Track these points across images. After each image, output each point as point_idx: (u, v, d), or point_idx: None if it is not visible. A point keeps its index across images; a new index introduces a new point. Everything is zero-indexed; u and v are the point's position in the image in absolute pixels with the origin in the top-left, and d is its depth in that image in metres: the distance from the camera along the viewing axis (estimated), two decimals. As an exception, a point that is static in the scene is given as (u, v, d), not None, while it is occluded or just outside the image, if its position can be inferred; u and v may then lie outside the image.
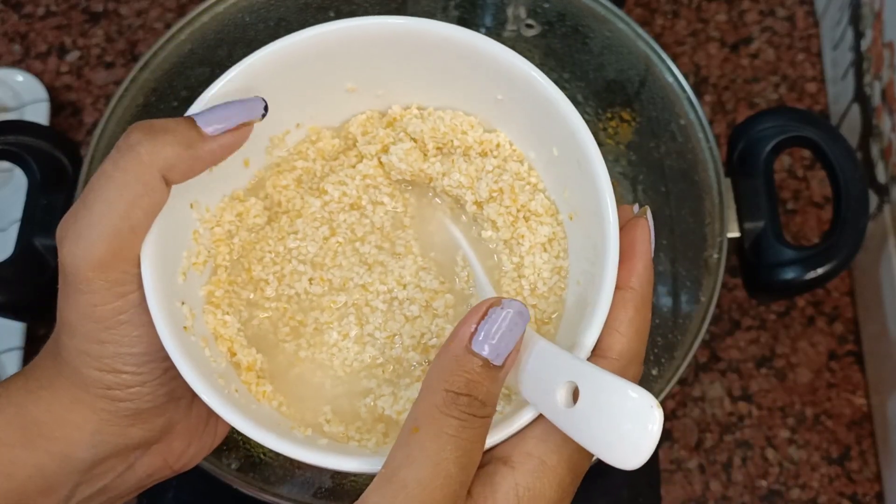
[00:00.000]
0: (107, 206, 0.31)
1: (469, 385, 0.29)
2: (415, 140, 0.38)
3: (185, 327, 0.33)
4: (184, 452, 0.37)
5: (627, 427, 0.28)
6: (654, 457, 0.58)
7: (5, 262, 0.51)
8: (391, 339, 0.36)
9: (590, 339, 0.32)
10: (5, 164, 0.64)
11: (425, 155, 0.38)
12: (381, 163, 0.38)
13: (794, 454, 0.61)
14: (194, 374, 0.31)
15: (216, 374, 0.33)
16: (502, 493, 0.30)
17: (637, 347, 0.33)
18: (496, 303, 0.30)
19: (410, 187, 0.39)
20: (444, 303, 0.37)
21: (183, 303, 0.34)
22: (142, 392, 0.34)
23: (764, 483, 0.60)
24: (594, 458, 0.31)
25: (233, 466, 0.48)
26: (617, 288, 0.33)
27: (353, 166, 0.38)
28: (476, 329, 0.30)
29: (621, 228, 0.33)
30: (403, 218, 0.39)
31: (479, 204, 0.37)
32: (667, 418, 0.61)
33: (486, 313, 0.30)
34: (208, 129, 0.33)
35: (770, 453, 0.61)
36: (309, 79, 0.37)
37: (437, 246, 0.38)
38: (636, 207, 0.35)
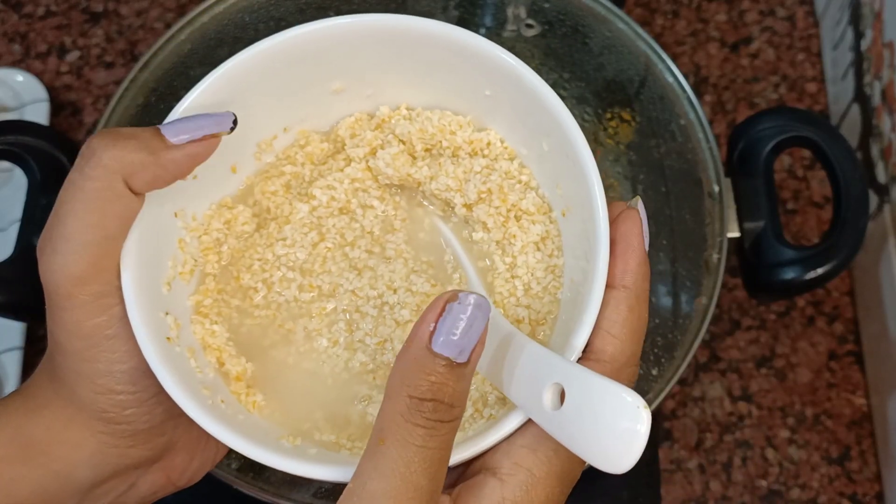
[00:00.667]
0: (79, 218, 0.31)
1: (433, 388, 0.28)
2: (403, 142, 0.38)
3: (168, 338, 0.32)
4: (187, 468, 0.36)
5: (614, 429, 0.27)
6: (654, 457, 0.58)
7: (5, 262, 0.51)
8: (382, 344, 0.36)
9: (579, 339, 0.31)
10: (5, 164, 0.64)
11: (413, 158, 0.38)
12: (369, 166, 0.38)
13: (794, 454, 0.61)
14: (175, 384, 0.31)
15: (201, 385, 0.33)
16: (488, 502, 0.30)
17: (632, 349, 0.32)
18: (452, 297, 0.28)
19: (400, 190, 0.39)
20: None
21: (167, 313, 0.33)
22: (138, 413, 0.33)
23: (764, 483, 0.60)
24: (586, 465, 0.30)
25: (233, 466, 0.48)
26: (609, 287, 0.31)
27: (342, 170, 0.38)
28: (435, 327, 0.28)
29: (612, 222, 0.32)
30: (394, 221, 0.38)
31: (468, 206, 0.36)
32: (667, 418, 0.61)
33: (443, 309, 0.28)
34: (174, 139, 0.32)
35: (770, 453, 0.61)
36: (294, 80, 0.36)
37: (428, 249, 0.38)
38: (631, 202, 0.34)
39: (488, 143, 0.37)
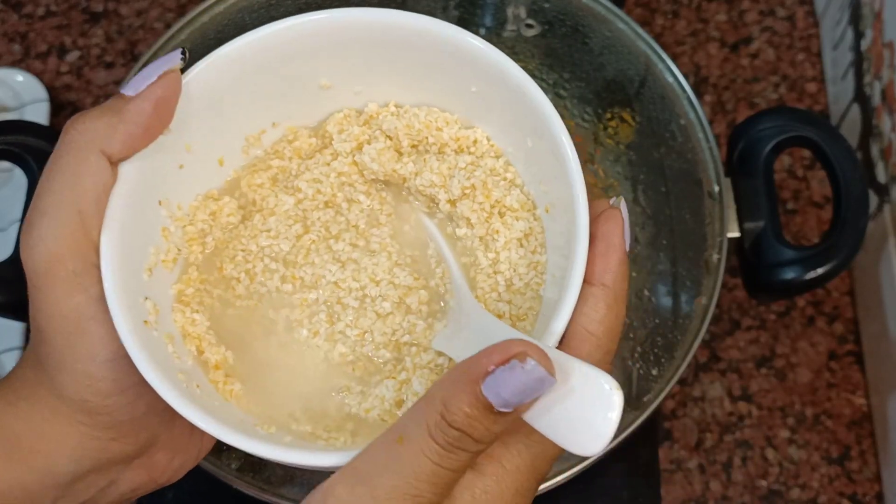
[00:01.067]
0: (52, 193, 0.31)
1: (466, 422, 0.28)
2: (389, 137, 0.38)
3: (145, 322, 0.32)
4: (168, 466, 0.36)
5: (586, 412, 0.27)
6: (654, 457, 0.58)
7: (5, 262, 0.51)
8: (362, 336, 0.36)
9: (558, 325, 0.31)
10: (5, 164, 0.64)
11: (399, 154, 0.38)
12: (355, 161, 0.38)
13: (794, 454, 0.61)
14: (149, 365, 0.31)
15: (177, 371, 0.33)
16: (458, 492, 0.30)
17: (607, 346, 0.32)
18: (521, 356, 0.27)
19: (386, 186, 0.39)
20: (417, 299, 0.36)
21: (146, 298, 0.33)
22: (119, 402, 0.33)
23: (764, 483, 0.60)
24: (558, 456, 0.30)
25: (233, 466, 0.48)
26: (589, 284, 0.32)
27: (328, 164, 0.38)
28: (493, 370, 0.27)
29: (594, 220, 0.32)
30: (379, 216, 0.38)
31: (452, 202, 0.36)
32: (667, 418, 0.61)
33: (508, 360, 0.27)
34: (133, 93, 0.32)
35: (770, 453, 0.61)
36: (281, 75, 0.36)
37: (413, 243, 0.38)
38: (613, 200, 0.34)
39: (475, 141, 0.37)
